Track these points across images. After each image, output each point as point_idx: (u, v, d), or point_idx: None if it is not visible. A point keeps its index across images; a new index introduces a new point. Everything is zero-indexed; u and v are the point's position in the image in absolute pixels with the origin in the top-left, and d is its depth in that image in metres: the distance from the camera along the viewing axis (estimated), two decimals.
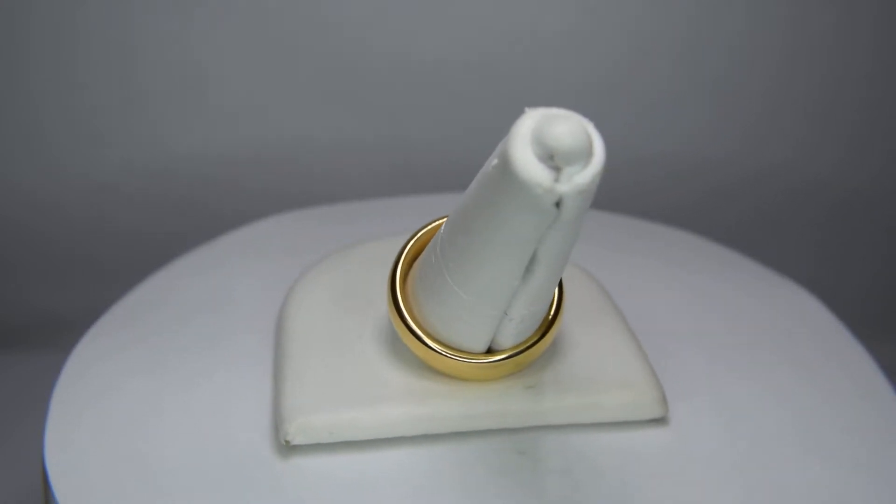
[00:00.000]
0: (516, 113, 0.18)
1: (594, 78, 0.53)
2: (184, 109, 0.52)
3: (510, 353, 0.22)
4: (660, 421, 0.23)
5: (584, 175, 0.17)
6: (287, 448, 0.22)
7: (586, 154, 0.17)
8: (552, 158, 0.17)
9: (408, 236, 0.23)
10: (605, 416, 0.23)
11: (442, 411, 0.22)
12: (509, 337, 0.21)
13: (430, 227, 0.22)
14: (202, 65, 0.52)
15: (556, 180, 0.17)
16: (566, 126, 0.17)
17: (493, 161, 0.18)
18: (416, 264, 0.22)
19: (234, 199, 0.50)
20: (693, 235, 0.33)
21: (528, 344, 0.22)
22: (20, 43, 0.51)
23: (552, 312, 0.22)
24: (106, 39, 0.52)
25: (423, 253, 0.22)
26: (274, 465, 0.22)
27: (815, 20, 0.53)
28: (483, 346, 0.22)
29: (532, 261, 0.19)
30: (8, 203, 0.49)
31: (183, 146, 0.52)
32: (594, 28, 0.54)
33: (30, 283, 0.47)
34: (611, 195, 0.49)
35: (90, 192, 0.50)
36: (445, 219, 0.21)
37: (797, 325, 0.28)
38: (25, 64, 0.51)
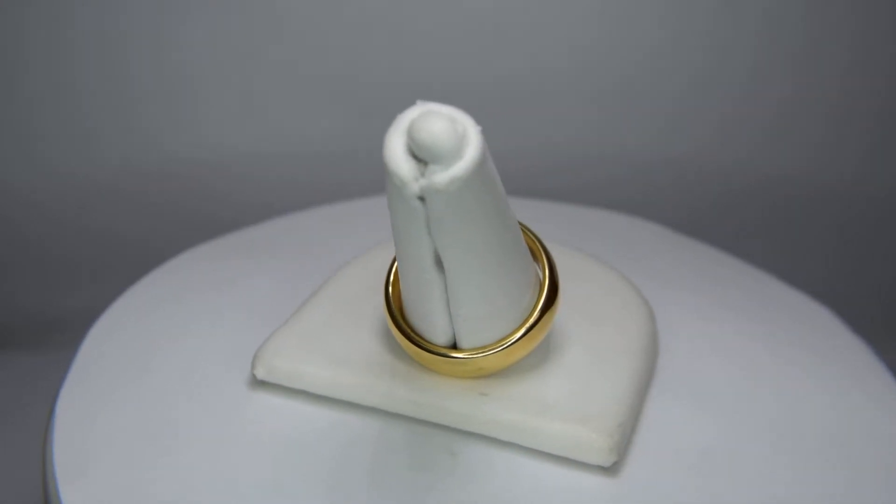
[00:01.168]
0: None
1: (609, 84, 0.54)
2: (180, 111, 0.52)
3: (466, 353, 0.22)
4: (607, 470, 0.21)
5: (444, 175, 0.17)
6: (256, 383, 0.24)
7: (449, 155, 0.17)
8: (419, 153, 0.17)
9: None
10: (546, 446, 0.22)
11: (390, 390, 0.22)
12: (462, 337, 0.21)
13: None
14: (199, 67, 0.52)
15: (422, 175, 0.17)
16: (433, 123, 0.17)
17: None
18: None
19: (234, 200, 0.50)
20: (700, 244, 0.33)
21: (484, 350, 0.22)
22: (15, 45, 0.51)
23: (524, 330, 0.21)
24: (101, 41, 0.52)
25: None
26: (243, 395, 0.24)
27: (831, 30, 0.53)
28: (442, 340, 0.22)
29: (437, 257, 0.19)
30: (2, 204, 0.49)
31: (179, 148, 0.52)
32: (611, 34, 0.54)
33: (24, 284, 0.47)
34: (621, 197, 0.49)
35: (86, 194, 0.50)
36: None
37: (809, 336, 0.28)
38: (20, 66, 0.51)
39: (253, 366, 0.23)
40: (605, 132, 0.54)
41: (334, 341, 0.24)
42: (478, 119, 0.18)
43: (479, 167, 0.17)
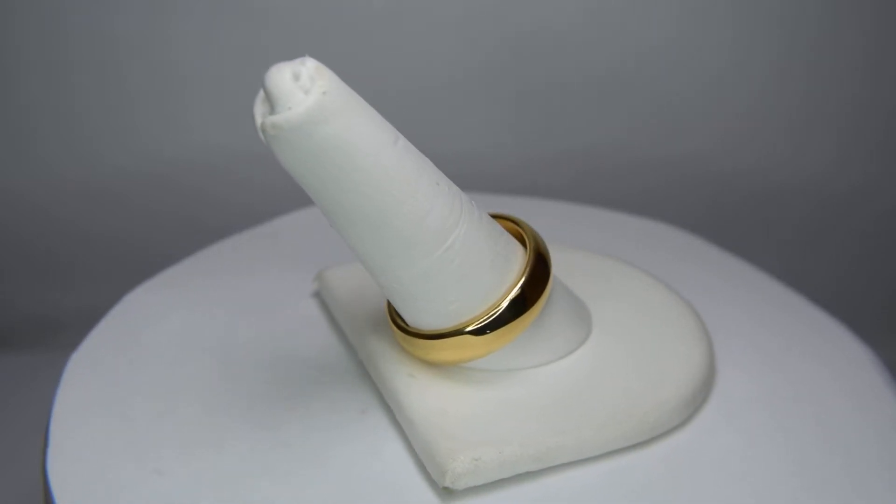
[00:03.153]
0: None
1: (616, 86, 0.54)
2: (177, 114, 0.52)
3: (410, 331, 0.22)
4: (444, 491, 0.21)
5: (267, 118, 0.18)
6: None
7: (277, 103, 0.17)
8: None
9: None
10: (416, 444, 0.22)
11: (352, 340, 0.25)
12: (405, 314, 0.22)
13: None
14: (197, 69, 0.52)
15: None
16: (277, 71, 0.18)
17: None
18: None
19: (234, 201, 0.50)
20: (707, 244, 0.33)
21: (420, 332, 0.22)
22: (10, 48, 0.51)
23: (477, 323, 0.21)
24: (97, 44, 0.52)
25: None
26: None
27: (846, 39, 0.53)
28: (406, 318, 0.22)
29: None
30: (0, 206, 0.49)
31: (178, 150, 0.52)
32: (625, 36, 0.54)
33: (24, 285, 0.47)
34: (633, 197, 0.49)
35: (84, 196, 0.50)
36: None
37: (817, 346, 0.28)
38: (17, 69, 0.51)
39: None
40: (613, 133, 0.54)
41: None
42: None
43: (304, 127, 0.18)
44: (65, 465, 0.22)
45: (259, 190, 0.51)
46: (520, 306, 0.22)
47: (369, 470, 0.21)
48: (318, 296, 0.28)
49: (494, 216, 0.23)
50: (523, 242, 0.23)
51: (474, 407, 0.22)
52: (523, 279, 0.22)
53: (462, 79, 0.53)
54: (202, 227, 0.40)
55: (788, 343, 0.27)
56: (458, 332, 0.22)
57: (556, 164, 0.53)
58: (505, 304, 0.21)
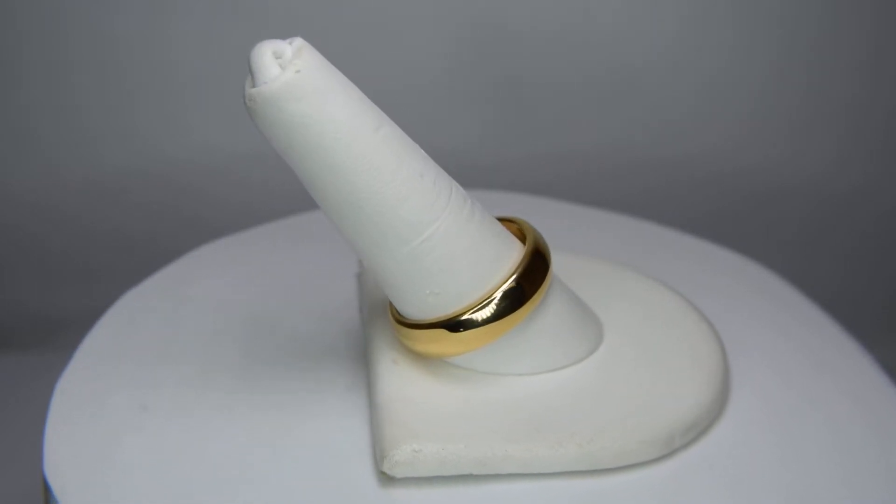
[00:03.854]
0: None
1: (617, 85, 0.54)
2: (179, 113, 0.52)
3: (397, 318, 0.23)
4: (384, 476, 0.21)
5: (248, 90, 0.19)
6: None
7: (256, 74, 0.19)
8: None
9: None
10: (374, 431, 0.22)
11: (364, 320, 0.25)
12: (392, 300, 0.22)
13: None
14: (198, 67, 0.52)
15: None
16: (259, 47, 0.19)
17: None
18: None
19: (234, 201, 0.50)
20: (712, 244, 0.33)
21: (403, 320, 0.22)
22: (10, 48, 0.51)
23: (453, 320, 0.21)
24: (99, 43, 0.52)
25: None
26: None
27: (846, 40, 0.53)
28: (394, 304, 0.23)
29: None
30: (1, 205, 0.49)
31: (179, 148, 0.52)
32: (625, 36, 0.54)
33: (24, 284, 0.47)
34: (633, 198, 0.49)
35: (85, 195, 0.50)
36: None
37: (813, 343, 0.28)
38: (17, 68, 0.51)
39: None
40: (613, 134, 0.54)
41: None
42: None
43: (275, 102, 0.18)
44: (64, 465, 0.22)
45: (260, 189, 0.51)
46: (500, 312, 0.21)
47: (326, 440, 0.22)
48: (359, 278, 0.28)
49: (501, 219, 0.23)
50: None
51: (442, 402, 0.22)
52: (504, 287, 0.21)
53: (462, 79, 0.53)
54: (203, 227, 0.40)
55: (800, 351, 0.27)
56: (433, 326, 0.22)
57: (555, 164, 0.53)
58: (484, 306, 0.21)
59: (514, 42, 0.53)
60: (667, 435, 0.22)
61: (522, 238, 0.23)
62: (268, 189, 0.51)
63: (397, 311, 0.23)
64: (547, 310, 0.23)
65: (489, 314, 0.21)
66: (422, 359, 0.23)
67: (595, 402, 0.22)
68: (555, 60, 0.54)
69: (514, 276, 0.21)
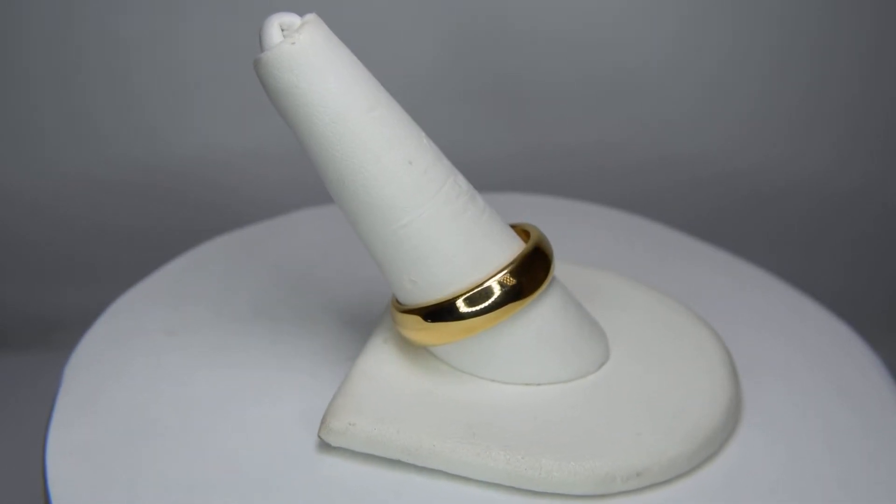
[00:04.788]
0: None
1: (616, 85, 0.54)
2: (180, 109, 0.52)
3: (394, 305, 0.23)
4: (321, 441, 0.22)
5: (255, 56, 0.20)
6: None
7: (262, 42, 0.20)
8: None
9: None
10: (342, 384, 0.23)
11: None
12: (384, 278, 0.23)
13: None
14: (199, 64, 0.52)
15: None
16: (270, 17, 0.20)
17: None
18: None
19: (234, 200, 0.50)
20: (710, 246, 0.33)
21: (394, 302, 0.23)
22: (12, 48, 0.51)
23: (428, 310, 0.22)
24: (102, 39, 0.51)
25: None
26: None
27: (846, 40, 0.53)
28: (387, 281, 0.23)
29: None
30: (1, 204, 0.49)
31: (179, 146, 0.52)
32: (625, 37, 0.54)
33: (24, 284, 0.47)
34: (632, 197, 0.49)
35: (85, 194, 0.50)
36: None
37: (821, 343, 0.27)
38: (18, 68, 0.51)
39: None
40: (613, 133, 0.54)
41: None
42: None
43: (269, 69, 0.20)
44: (64, 465, 0.22)
45: (261, 189, 0.51)
46: (472, 310, 0.21)
47: (293, 403, 0.23)
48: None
49: (515, 226, 0.23)
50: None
51: (405, 388, 0.22)
52: (477, 289, 0.21)
53: (460, 78, 0.53)
54: (203, 227, 0.40)
55: (805, 354, 0.27)
56: (409, 312, 0.22)
57: (553, 163, 0.53)
58: (458, 301, 0.21)
59: (513, 41, 0.53)
60: (605, 476, 0.21)
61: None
62: (269, 189, 0.51)
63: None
64: (531, 322, 0.22)
65: (463, 311, 0.21)
66: (415, 347, 0.23)
67: (557, 426, 0.22)
68: (554, 60, 0.54)
69: (490, 280, 0.21)
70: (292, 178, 0.51)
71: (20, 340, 0.45)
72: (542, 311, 0.22)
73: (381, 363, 0.23)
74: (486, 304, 0.21)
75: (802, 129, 0.53)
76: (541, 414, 0.22)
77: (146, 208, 0.50)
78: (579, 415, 0.22)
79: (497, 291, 0.21)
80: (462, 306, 0.21)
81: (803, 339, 0.28)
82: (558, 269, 0.25)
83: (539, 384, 0.23)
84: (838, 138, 0.53)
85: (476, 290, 0.21)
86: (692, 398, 0.23)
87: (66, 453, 0.22)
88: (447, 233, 0.21)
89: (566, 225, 0.33)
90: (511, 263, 0.22)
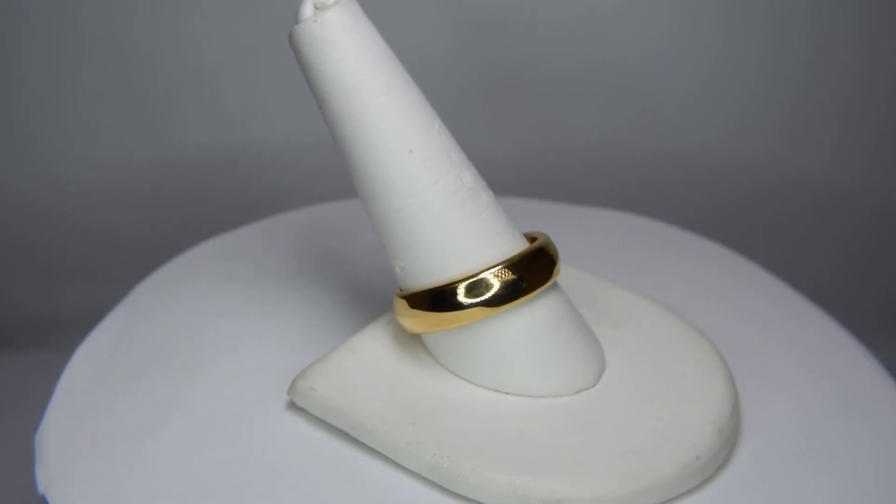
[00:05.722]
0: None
1: (618, 83, 0.54)
2: (178, 113, 0.52)
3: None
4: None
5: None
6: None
7: (297, 15, 0.21)
8: None
9: None
10: None
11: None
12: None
13: None
14: (198, 66, 0.52)
15: None
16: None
17: None
18: None
19: (233, 200, 0.50)
20: (707, 240, 0.33)
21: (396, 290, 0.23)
22: (10, 48, 0.51)
23: (411, 296, 0.22)
24: (102, 41, 0.51)
25: None
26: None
27: (842, 35, 0.53)
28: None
29: None
30: (1, 205, 0.49)
31: (177, 150, 0.52)
32: (621, 33, 0.54)
33: (24, 284, 0.47)
34: (628, 193, 0.49)
35: (85, 195, 0.50)
36: None
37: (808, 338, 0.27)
38: (17, 68, 0.51)
39: None
40: (610, 129, 0.54)
41: None
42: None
43: (295, 42, 0.21)
44: (63, 465, 0.22)
45: (259, 189, 0.51)
46: (449, 303, 0.21)
47: (283, 363, 0.24)
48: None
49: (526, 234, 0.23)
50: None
51: (383, 369, 0.23)
52: (465, 281, 0.21)
53: (457, 73, 0.53)
54: (202, 227, 0.40)
55: (802, 358, 0.26)
56: (399, 296, 0.22)
57: (549, 158, 0.53)
58: (437, 291, 0.21)
59: (509, 37, 0.53)
60: (521, 496, 0.20)
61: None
62: (269, 189, 0.51)
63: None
64: (510, 328, 0.22)
65: (437, 304, 0.21)
66: (419, 335, 0.23)
67: (504, 436, 0.21)
68: (550, 56, 0.54)
69: (473, 278, 0.21)
70: (289, 179, 0.51)
71: (20, 340, 0.45)
72: (519, 319, 0.22)
73: (374, 342, 0.23)
74: (460, 301, 0.21)
75: (799, 126, 0.53)
76: (500, 423, 0.22)
77: (146, 209, 0.50)
78: (537, 431, 0.22)
79: (480, 290, 0.21)
80: (441, 298, 0.21)
81: (798, 341, 0.27)
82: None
83: (520, 395, 0.23)
84: (835, 135, 0.53)
85: (451, 286, 0.21)
86: (676, 441, 0.22)
87: (65, 454, 0.22)
88: (437, 224, 0.21)
89: (567, 226, 0.33)
90: (498, 265, 0.21)
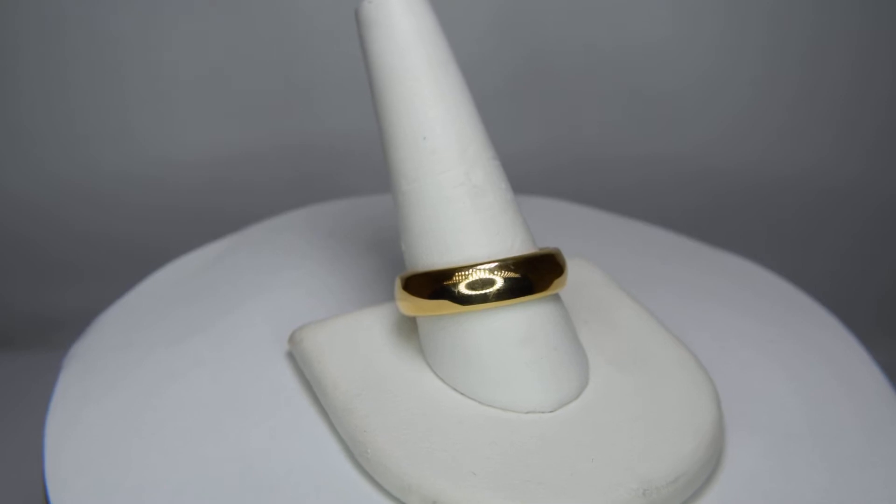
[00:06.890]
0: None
1: (613, 84, 0.54)
2: (176, 115, 0.52)
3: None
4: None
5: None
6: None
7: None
8: None
9: None
10: None
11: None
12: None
13: None
14: (194, 69, 0.52)
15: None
16: None
17: None
18: None
19: (232, 200, 0.50)
20: (703, 245, 0.33)
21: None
22: (9, 49, 0.51)
23: (407, 278, 0.22)
24: (101, 43, 0.52)
25: None
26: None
27: (839, 31, 0.53)
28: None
29: None
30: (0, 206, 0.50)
31: (175, 150, 0.52)
32: (619, 32, 0.54)
33: (23, 285, 0.47)
34: (625, 193, 0.49)
35: (83, 196, 0.50)
36: None
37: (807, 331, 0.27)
38: (15, 69, 0.51)
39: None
40: (607, 130, 0.54)
41: None
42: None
43: (358, 20, 0.22)
44: (63, 465, 0.22)
45: (258, 190, 0.51)
46: (439, 293, 0.21)
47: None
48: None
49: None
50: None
51: (378, 344, 0.23)
52: (458, 275, 0.21)
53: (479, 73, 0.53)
54: (200, 227, 0.40)
55: (802, 357, 0.26)
56: (400, 276, 0.22)
57: (546, 159, 0.53)
58: (416, 278, 0.22)
59: (510, 37, 0.53)
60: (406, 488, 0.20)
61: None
62: (268, 190, 0.51)
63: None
64: (484, 332, 0.22)
65: (428, 290, 0.21)
66: (428, 318, 0.23)
67: (451, 439, 0.21)
68: (551, 56, 0.54)
69: (469, 273, 0.21)
70: (287, 178, 0.52)
71: (20, 340, 0.45)
72: (505, 331, 0.22)
73: (376, 319, 0.24)
74: (453, 301, 0.21)
75: (798, 125, 0.53)
76: (461, 428, 0.21)
77: (144, 210, 0.50)
78: (504, 443, 0.21)
79: (457, 282, 0.21)
80: (421, 284, 0.22)
81: (801, 336, 0.27)
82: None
83: (494, 407, 0.22)
84: (834, 134, 0.53)
85: (434, 273, 0.21)
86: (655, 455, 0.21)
87: (65, 454, 0.22)
88: (432, 214, 0.22)
89: (565, 226, 0.33)
90: (482, 265, 0.21)
